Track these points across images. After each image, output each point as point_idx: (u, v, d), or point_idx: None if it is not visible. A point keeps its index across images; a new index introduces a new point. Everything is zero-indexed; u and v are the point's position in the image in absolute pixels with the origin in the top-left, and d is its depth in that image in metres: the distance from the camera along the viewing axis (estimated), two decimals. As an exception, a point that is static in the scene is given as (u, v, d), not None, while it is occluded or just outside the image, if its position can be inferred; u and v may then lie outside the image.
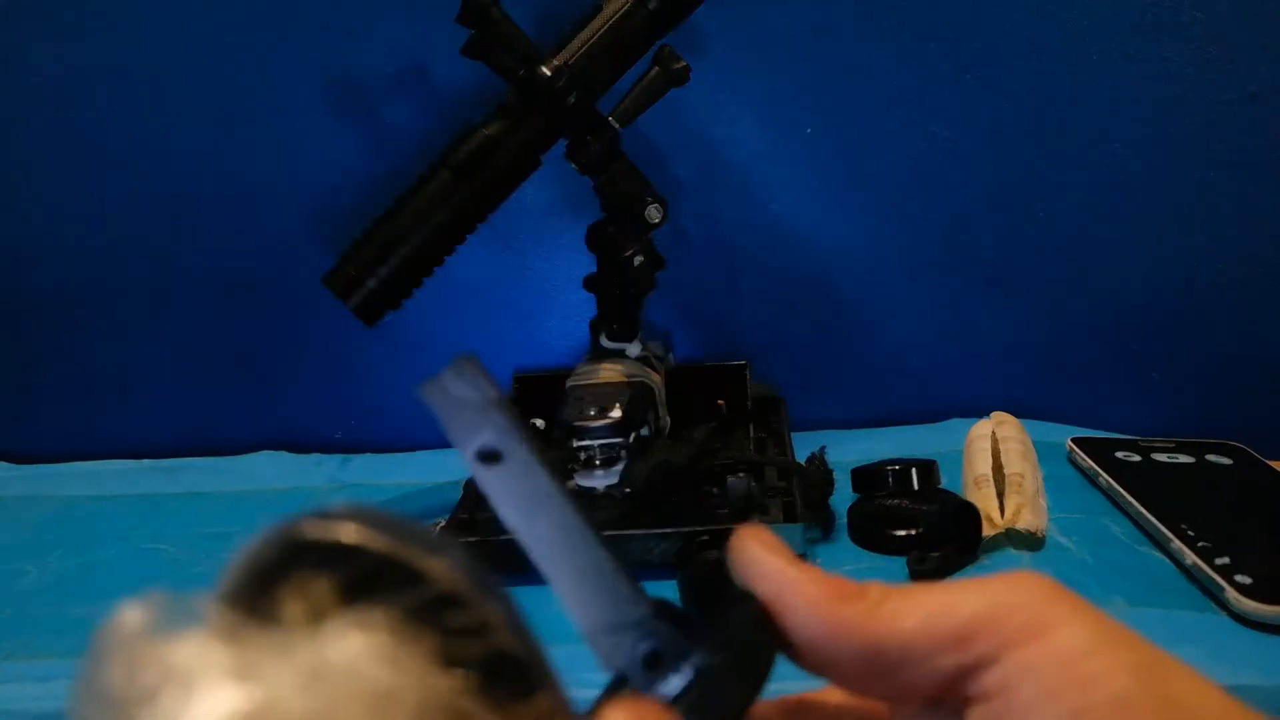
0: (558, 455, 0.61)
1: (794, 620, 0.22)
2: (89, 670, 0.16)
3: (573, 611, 0.22)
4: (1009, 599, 0.21)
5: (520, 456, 0.22)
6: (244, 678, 0.16)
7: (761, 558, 0.23)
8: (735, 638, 0.22)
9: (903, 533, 0.56)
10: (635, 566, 0.54)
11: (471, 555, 0.20)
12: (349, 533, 0.19)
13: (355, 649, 0.17)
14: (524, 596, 0.58)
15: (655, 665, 0.21)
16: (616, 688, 0.21)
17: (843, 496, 0.60)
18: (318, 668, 0.17)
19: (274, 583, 0.18)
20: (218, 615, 0.17)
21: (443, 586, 0.18)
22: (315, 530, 0.18)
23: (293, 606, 0.18)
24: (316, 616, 0.18)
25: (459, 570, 0.19)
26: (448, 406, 0.22)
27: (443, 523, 0.58)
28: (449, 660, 0.18)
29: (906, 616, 0.21)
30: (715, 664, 0.20)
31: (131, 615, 0.17)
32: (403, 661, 0.17)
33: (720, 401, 0.70)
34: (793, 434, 0.68)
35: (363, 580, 0.18)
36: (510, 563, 0.58)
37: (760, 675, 0.22)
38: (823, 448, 0.62)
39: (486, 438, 0.22)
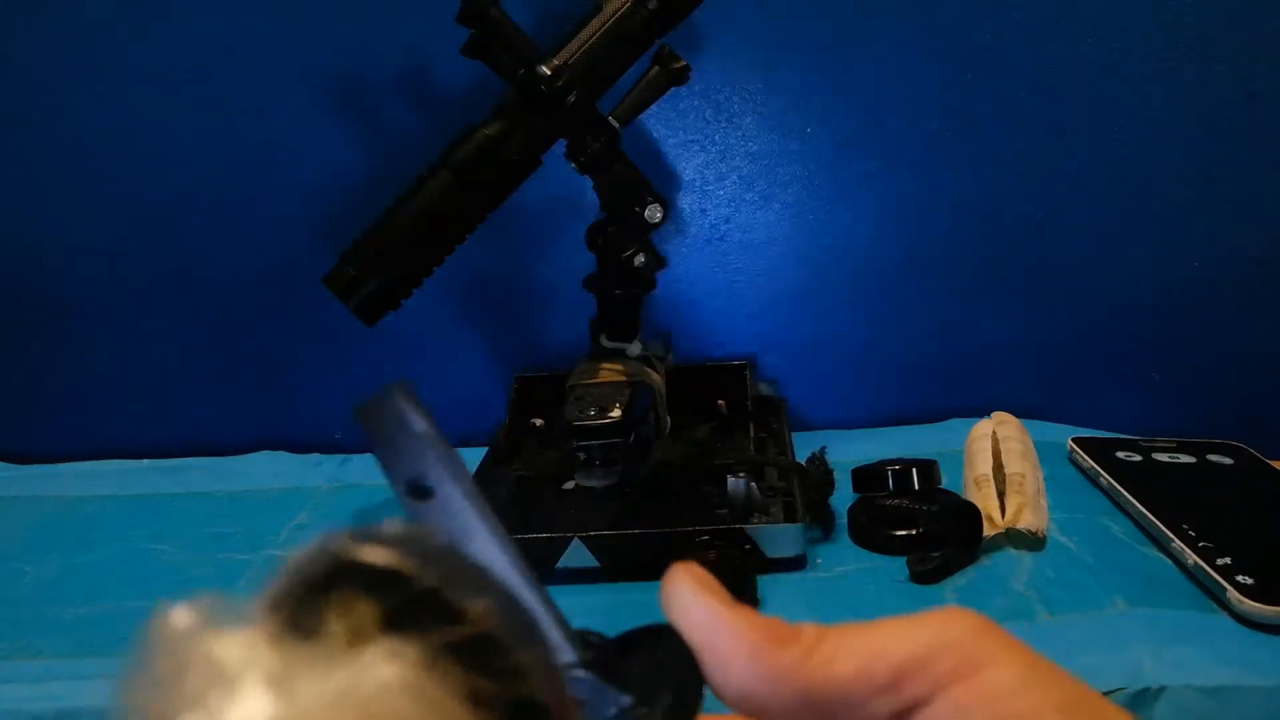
0: (558, 453, 0.61)
1: (727, 666, 0.21)
2: (135, 665, 0.16)
3: None
4: (940, 639, 0.20)
5: (451, 492, 0.21)
6: (282, 688, 0.16)
7: (693, 599, 0.22)
8: (664, 684, 0.21)
9: (903, 533, 0.56)
10: (637, 567, 0.54)
11: (512, 601, 0.19)
12: (398, 560, 0.18)
13: (388, 678, 0.17)
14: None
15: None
16: None
17: (843, 496, 0.60)
18: (349, 691, 0.17)
19: (318, 597, 0.18)
20: (264, 619, 0.17)
21: (482, 628, 0.18)
22: (365, 552, 0.18)
23: (334, 625, 0.18)
24: (355, 638, 0.18)
25: (500, 613, 0.18)
26: (378, 434, 0.21)
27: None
28: (478, 701, 0.18)
29: (841, 662, 0.21)
30: (640, 715, 0.20)
31: (181, 614, 0.17)
32: (433, 697, 0.17)
33: (720, 401, 0.70)
34: (793, 434, 0.68)
35: (405, 609, 0.18)
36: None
37: None
38: (823, 448, 0.62)
39: (417, 471, 0.21)
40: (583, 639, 0.21)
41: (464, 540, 0.21)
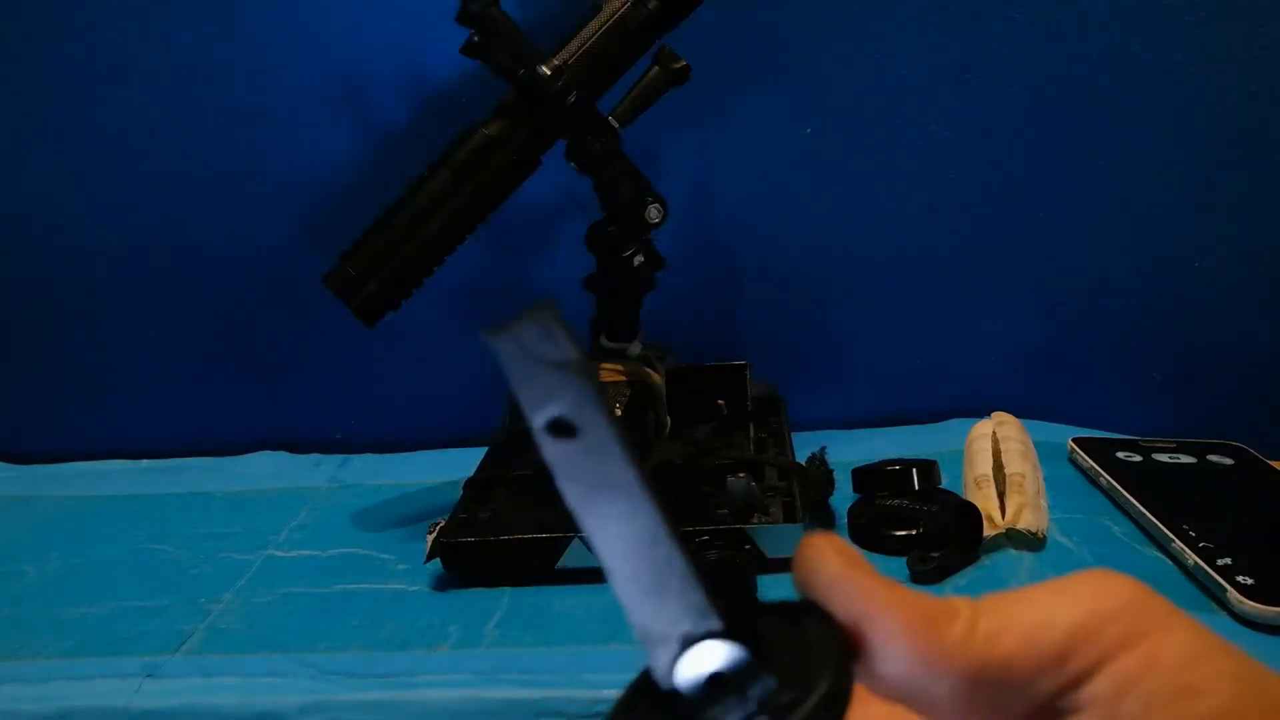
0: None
1: (886, 650, 0.20)
2: None
3: (632, 613, 0.20)
4: (1103, 607, 0.20)
5: (599, 434, 0.19)
6: None
7: (846, 575, 0.20)
8: (814, 668, 0.19)
9: (903, 533, 0.56)
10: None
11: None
12: None
13: None
14: (527, 597, 0.57)
15: (716, 689, 0.19)
16: (636, 696, 0.19)
17: (843, 496, 0.60)
18: None
19: None
20: None
21: None
22: None
23: None
24: None
25: None
26: (518, 362, 0.18)
27: (442, 523, 0.57)
28: None
29: (1005, 639, 0.19)
30: (783, 703, 0.18)
31: None
32: None
33: (720, 401, 0.70)
34: (793, 434, 0.68)
35: None
36: (512, 565, 0.58)
37: (836, 716, 0.19)
38: (823, 448, 0.62)
39: (562, 407, 0.18)
40: (733, 618, 0.20)
41: (607, 488, 0.19)
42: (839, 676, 0.19)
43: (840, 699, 0.19)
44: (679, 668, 0.19)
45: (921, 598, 0.20)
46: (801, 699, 0.18)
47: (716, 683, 0.19)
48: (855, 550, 0.21)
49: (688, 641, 0.19)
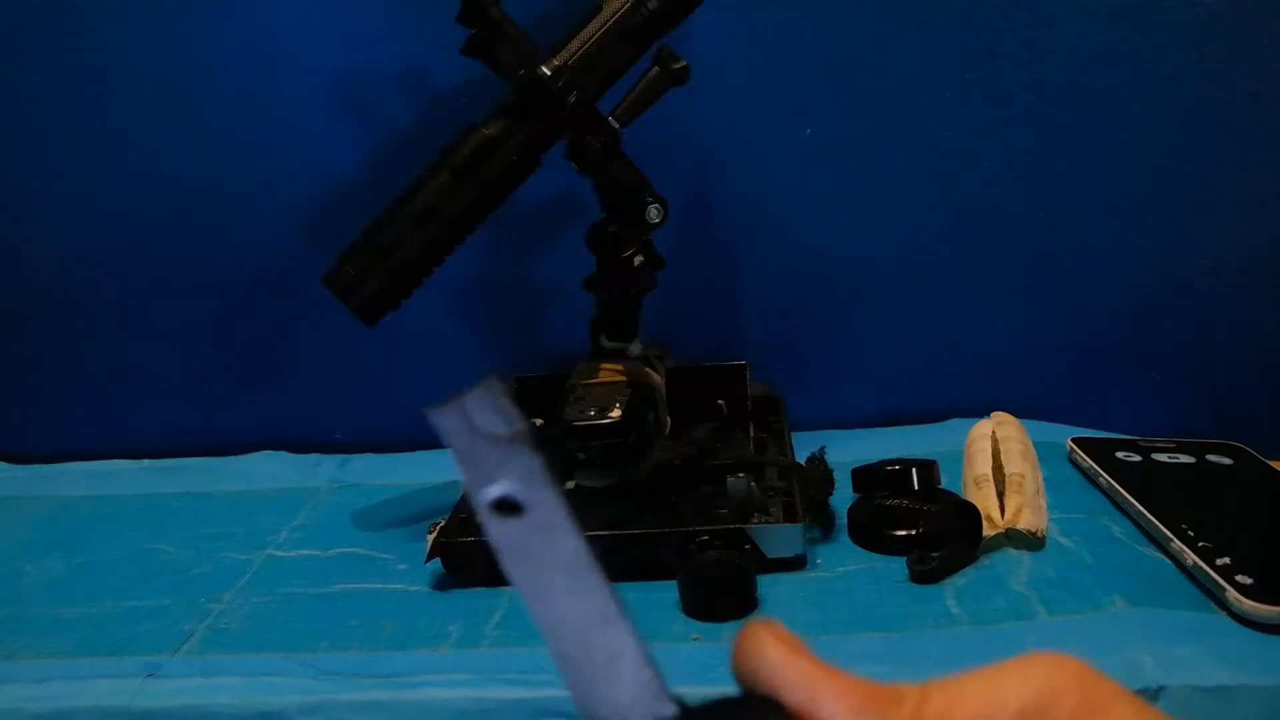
0: (558, 453, 0.61)
1: None
2: None
3: (581, 699, 0.19)
4: (1052, 685, 0.20)
5: (547, 510, 0.18)
6: None
7: (789, 662, 0.20)
8: None
9: (903, 533, 0.56)
10: (637, 567, 0.54)
11: None
12: None
13: None
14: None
15: None
16: None
17: (843, 496, 0.60)
18: None
19: None
20: None
21: None
22: None
23: None
24: None
25: None
26: (464, 438, 0.18)
27: (442, 523, 0.57)
28: None
29: (954, 719, 0.20)
30: None
31: None
32: None
33: (720, 401, 0.70)
34: (793, 434, 0.68)
35: None
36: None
37: None
38: (823, 448, 0.62)
39: (509, 484, 0.18)
40: (684, 708, 0.19)
41: (557, 567, 0.18)
42: None
43: None
44: None
45: (867, 684, 0.20)
46: None
47: None
48: (794, 636, 0.21)
49: None
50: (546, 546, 0.18)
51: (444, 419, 0.18)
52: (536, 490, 0.18)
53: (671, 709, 0.19)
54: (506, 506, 0.18)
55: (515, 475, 0.18)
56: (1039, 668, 0.20)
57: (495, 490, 0.18)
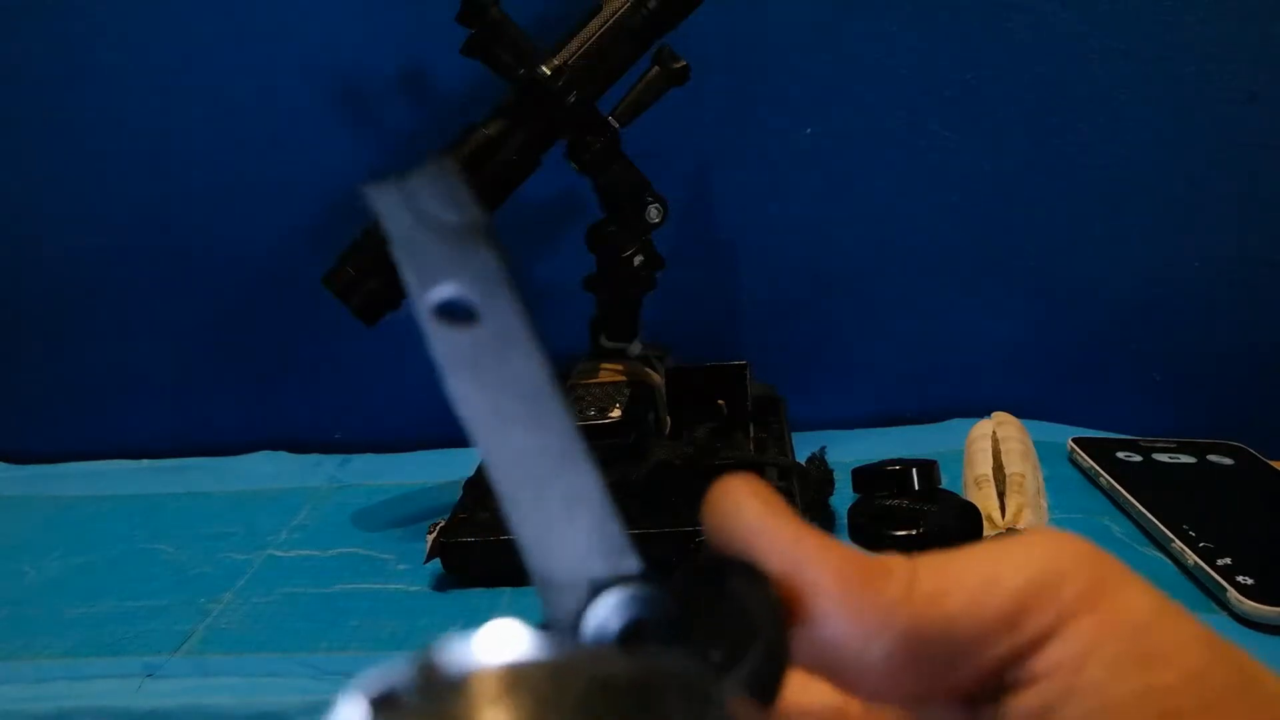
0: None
1: (817, 608, 0.17)
2: None
3: (532, 549, 0.16)
4: (1058, 564, 0.17)
5: (504, 320, 0.15)
6: None
7: (766, 523, 0.18)
8: (746, 626, 0.16)
9: (903, 533, 0.56)
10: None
11: None
12: None
13: None
14: (527, 597, 0.57)
15: (632, 641, 0.16)
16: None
17: (843, 496, 0.60)
18: None
19: None
20: None
21: None
22: None
23: None
24: None
25: None
26: (405, 225, 0.14)
27: (442, 523, 0.57)
28: None
29: (949, 597, 0.17)
30: (713, 663, 0.15)
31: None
32: None
33: (720, 401, 0.70)
34: (793, 434, 0.68)
35: None
36: (512, 565, 0.58)
37: (771, 688, 0.16)
38: (823, 448, 0.62)
39: (460, 286, 0.15)
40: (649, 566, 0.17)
41: (510, 391, 0.15)
42: (775, 635, 0.16)
43: (774, 672, 0.16)
44: (587, 617, 0.16)
45: (854, 551, 0.18)
46: (734, 660, 0.15)
47: (631, 636, 0.16)
48: (774, 493, 0.18)
49: (599, 587, 0.16)
50: (500, 365, 0.15)
51: (382, 198, 0.15)
52: (492, 295, 0.15)
53: (635, 564, 0.16)
54: (454, 313, 0.15)
55: (467, 275, 0.15)
56: (1041, 546, 0.18)
57: (442, 292, 0.15)
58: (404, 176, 0.14)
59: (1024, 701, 0.17)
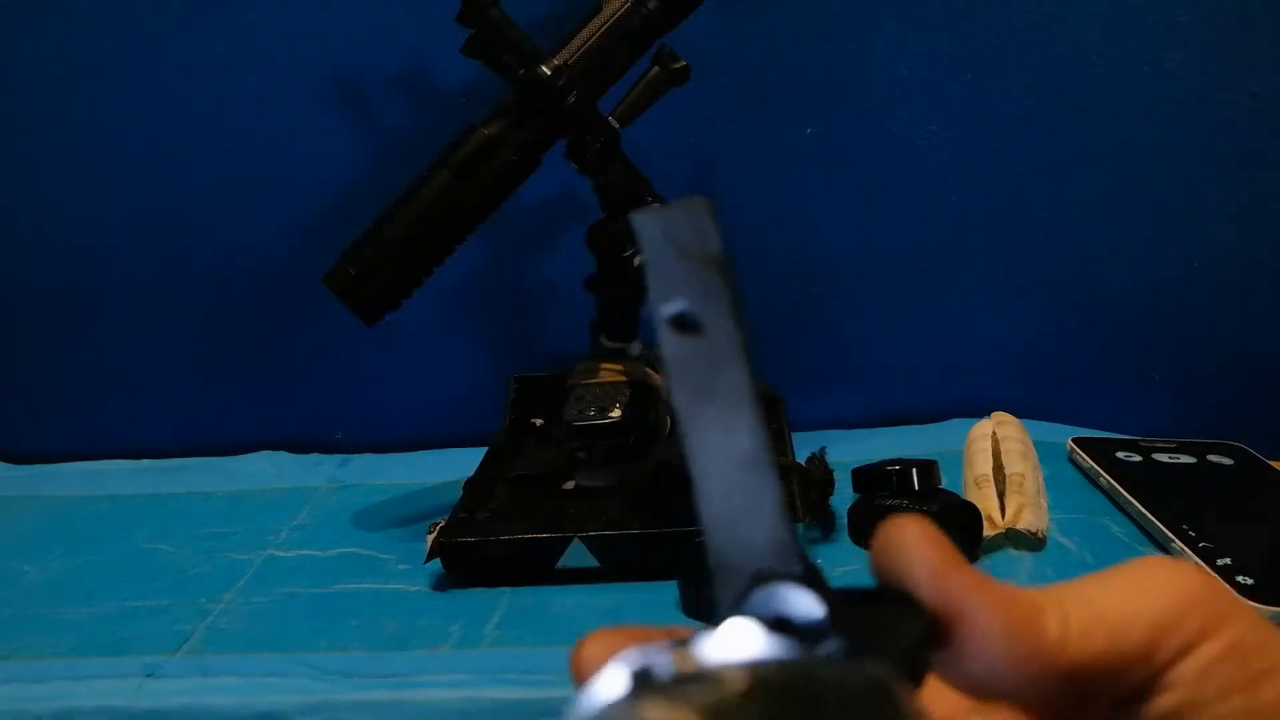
0: (558, 453, 0.61)
1: (981, 649, 0.19)
2: None
3: (711, 532, 0.19)
4: (1185, 596, 0.20)
5: (723, 338, 0.18)
6: None
7: (939, 567, 0.19)
8: (889, 646, 0.18)
9: (903, 533, 0.56)
10: (637, 567, 0.54)
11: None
12: None
13: None
14: (527, 597, 0.57)
15: (782, 632, 0.17)
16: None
17: (843, 496, 0.60)
18: None
19: None
20: None
21: None
22: None
23: None
24: None
25: None
26: (657, 247, 0.17)
27: (442, 523, 0.57)
28: None
29: (1093, 638, 0.19)
30: (858, 659, 0.17)
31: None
32: None
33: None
34: (793, 434, 0.68)
35: None
36: (512, 565, 0.58)
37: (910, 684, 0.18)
38: (823, 448, 0.62)
39: (691, 302, 0.17)
40: (813, 568, 0.19)
41: (717, 393, 0.18)
42: (917, 655, 0.18)
43: (915, 671, 0.18)
44: (746, 602, 0.18)
45: (1013, 593, 0.19)
46: (874, 658, 0.17)
47: (780, 629, 0.17)
48: (943, 535, 0.20)
49: (760, 579, 0.18)
50: (712, 374, 0.18)
51: (642, 223, 0.17)
52: (718, 316, 0.17)
53: (799, 568, 0.18)
54: (684, 324, 0.18)
55: (700, 294, 0.17)
56: (1166, 580, 0.20)
57: (676, 306, 0.18)
58: (666, 206, 0.17)
59: (1151, 712, 0.19)
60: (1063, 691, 0.19)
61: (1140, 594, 0.20)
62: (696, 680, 0.15)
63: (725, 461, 0.18)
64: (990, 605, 0.19)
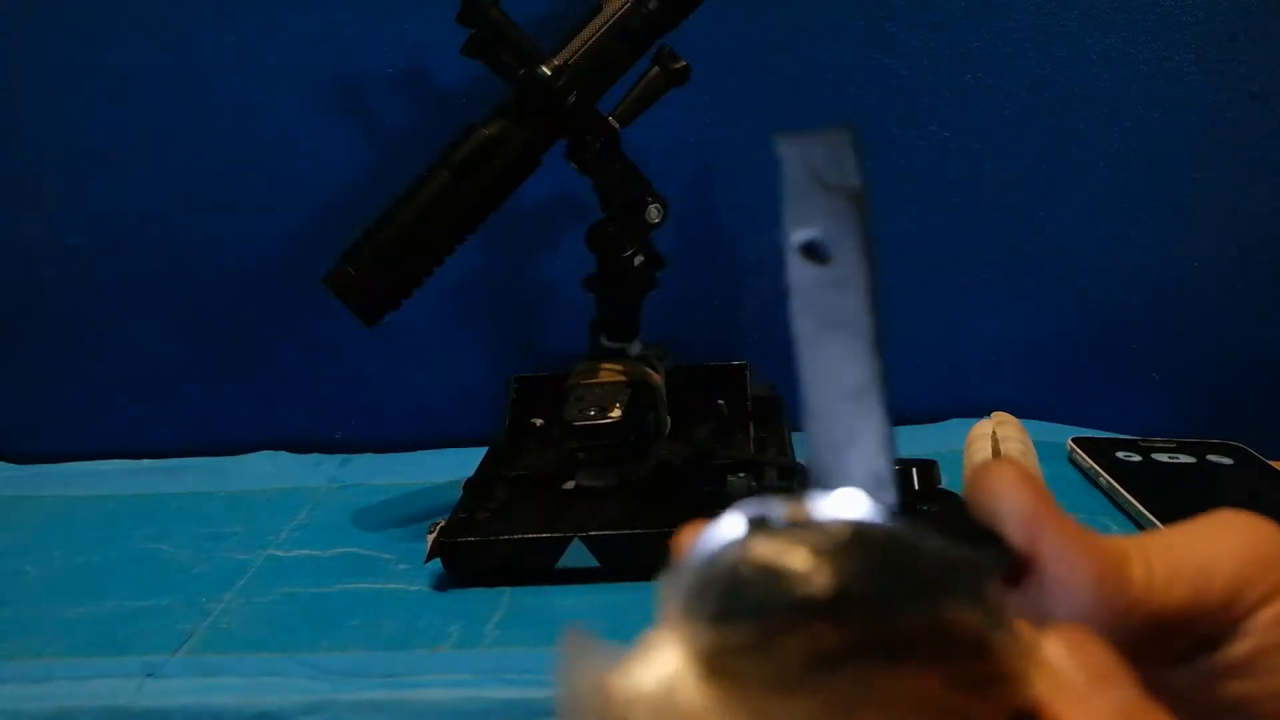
0: (558, 453, 0.61)
1: (1068, 592, 0.19)
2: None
3: (814, 456, 0.19)
4: (1263, 551, 0.21)
5: (850, 269, 0.18)
6: None
7: (1034, 509, 0.20)
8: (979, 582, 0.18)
9: (903, 533, 0.56)
10: (637, 567, 0.54)
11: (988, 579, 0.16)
12: (878, 590, 0.15)
13: None
14: (527, 597, 0.57)
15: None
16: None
17: (843, 496, 0.60)
18: None
19: (769, 632, 0.15)
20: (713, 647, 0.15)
21: (970, 638, 0.15)
22: (806, 571, 0.15)
23: (791, 655, 0.15)
24: (818, 671, 0.15)
25: (972, 610, 0.15)
26: (797, 174, 0.17)
27: (442, 522, 0.57)
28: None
29: (1175, 588, 0.20)
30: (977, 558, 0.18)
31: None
32: None
33: (720, 401, 0.70)
34: (793, 434, 0.68)
35: (877, 640, 0.15)
36: (512, 565, 0.58)
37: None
38: (823, 448, 0.62)
39: (823, 231, 0.18)
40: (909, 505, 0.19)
41: (837, 326, 0.18)
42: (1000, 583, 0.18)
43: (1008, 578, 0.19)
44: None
45: (1101, 541, 0.20)
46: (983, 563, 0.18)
47: None
48: (1039, 479, 0.21)
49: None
50: (834, 302, 0.18)
51: (785, 148, 0.18)
52: (849, 249, 0.18)
53: (893, 499, 0.18)
54: (812, 252, 0.18)
55: (833, 226, 0.18)
56: (1244, 534, 0.21)
57: (806, 233, 0.18)
58: (808, 135, 0.17)
59: (1223, 657, 0.20)
60: (1141, 635, 0.20)
61: (1221, 546, 0.21)
62: (806, 527, 0.16)
63: (837, 391, 0.18)
64: (1080, 552, 0.20)
